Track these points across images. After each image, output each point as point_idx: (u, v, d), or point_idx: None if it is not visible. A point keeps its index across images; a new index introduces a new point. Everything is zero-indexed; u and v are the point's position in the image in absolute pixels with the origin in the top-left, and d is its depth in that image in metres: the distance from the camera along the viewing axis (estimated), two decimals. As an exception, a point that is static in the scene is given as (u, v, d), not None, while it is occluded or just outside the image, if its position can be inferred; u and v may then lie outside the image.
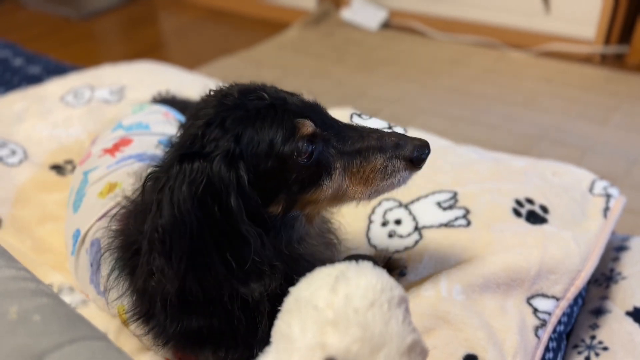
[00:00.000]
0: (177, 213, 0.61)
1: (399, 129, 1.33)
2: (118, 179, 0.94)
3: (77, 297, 0.95)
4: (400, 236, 0.99)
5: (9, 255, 0.63)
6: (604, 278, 1.06)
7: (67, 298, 0.95)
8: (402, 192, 1.07)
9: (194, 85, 1.66)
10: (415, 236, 0.97)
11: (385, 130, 0.74)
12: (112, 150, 1.04)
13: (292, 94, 0.73)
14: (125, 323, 0.81)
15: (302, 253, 0.73)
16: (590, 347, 0.92)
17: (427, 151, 0.73)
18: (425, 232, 0.98)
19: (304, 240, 0.74)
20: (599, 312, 0.99)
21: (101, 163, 1.01)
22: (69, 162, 1.35)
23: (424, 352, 0.54)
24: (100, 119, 1.47)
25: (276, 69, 2.65)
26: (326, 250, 0.81)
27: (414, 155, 0.72)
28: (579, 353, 0.93)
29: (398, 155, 0.71)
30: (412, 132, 1.32)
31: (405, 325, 0.53)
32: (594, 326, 0.96)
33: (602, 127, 2.03)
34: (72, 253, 0.94)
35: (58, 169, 1.34)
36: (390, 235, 1.00)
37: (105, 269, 0.80)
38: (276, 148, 0.66)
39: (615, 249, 1.11)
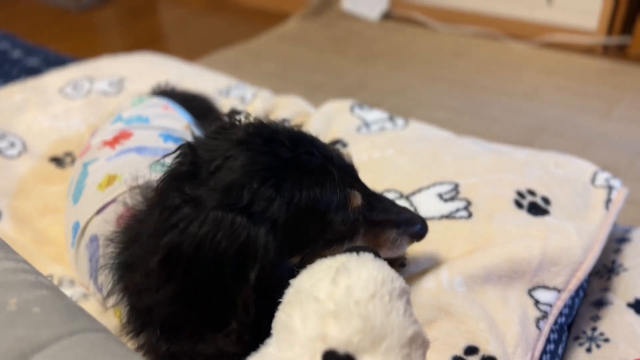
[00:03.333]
0: (196, 253, 0.60)
1: (400, 120, 1.32)
2: (117, 171, 0.94)
3: (78, 291, 0.94)
4: (402, 228, 0.98)
5: (8, 248, 0.63)
6: (605, 270, 1.05)
7: (67, 291, 0.94)
8: (404, 184, 1.07)
9: (194, 77, 1.66)
10: (417, 228, 0.97)
11: (400, 205, 0.82)
12: (112, 142, 1.03)
13: (333, 149, 0.75)
14: (122, 324, 0.81)
15: None
16: (591, 339, 0.92)
17: (427, 229, 0.82)
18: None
19: None
20: (600, 303, 0.99)
21: (100, 155, 1.00)
22: (69, 154, 1.35)
23: (425, 344, 0.54)
24: (100, 111, 1.46)
25: (276, 61, 2.64)
26: None
27: (421, 232, 0.81)
28: (580, 344, 0.93)
29: (407, 231, 0.79)
30: (414, 124, 1.32)
31: (407, 317, 0.52)
32: (595, 318, 0.96)
33: (604, 119, 2.03)
34: (72, 245, 0.94)
35: (57, 161, 1.33)
36: (392, 227, 0.99)
37: (102, 272, 0.80)
38: (327, 216, 0.68)
39: (616, 241, 1.10)
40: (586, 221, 0.99)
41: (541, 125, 2.00)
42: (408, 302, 0.55)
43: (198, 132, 1.16)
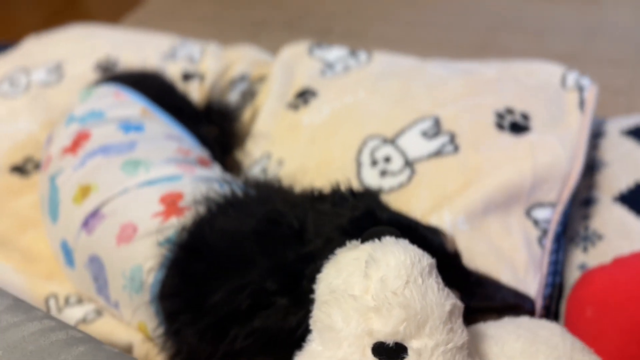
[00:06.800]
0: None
1: (362, 54, 1.28)
2: (89, 180, 0.90)
3: (89, 308, 0.93)
4: (393, 173, 0.99)
5: (25, 305, 0.60)
6: (587, 168, 1.09)
7: (79, 310, 0.93)
8: (384, 127, 1.06)
9: (133, 44, 1.54)
10: (407, 172, 0.98)
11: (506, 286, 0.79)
12: (72, 148, 0.97)
13: (435, 236, 0.76)
14: (148, 337, 0.81)
15: None
16: (585, 238, 0.98)
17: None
18: (416, 166, 0.98)
19: None
20: (588, 202, 1.04)
21: (65, 165, 0.95)
22: (29, 159, 1.27)
23: (460, 310, 0.56)
24: (47, 105, 1.36)
25: (209, 1, 2.47)
26: None
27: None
28: (576, 245, 0.98)
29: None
30: (377, 56, 1.28)
31: (441, 292, 0.54)
32: (586, 217, 1.01)
33: (557, 3, 2.01)
34: (69, 263, 0.91)
35: (19, 170, 1.25)
36: (383, 174, 1.00)
37: (116, 284, 0.78)
38: None
39: (593, 136, 1.14)
40: (565, 128, 1.01)
41: (496, 23, 1.97)
42: (437, 276, 0.56)
43: (159, 114, 1.10)
